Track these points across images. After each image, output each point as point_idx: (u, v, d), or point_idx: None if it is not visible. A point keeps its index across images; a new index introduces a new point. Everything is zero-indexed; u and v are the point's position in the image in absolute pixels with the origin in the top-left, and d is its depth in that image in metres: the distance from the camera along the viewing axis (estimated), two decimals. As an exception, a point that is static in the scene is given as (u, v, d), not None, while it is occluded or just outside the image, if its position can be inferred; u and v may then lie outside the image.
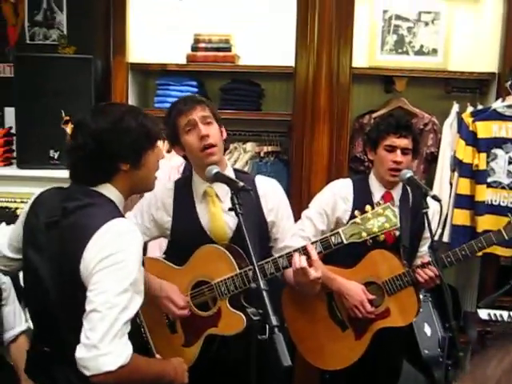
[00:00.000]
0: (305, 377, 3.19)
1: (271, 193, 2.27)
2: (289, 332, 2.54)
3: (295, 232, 2.41)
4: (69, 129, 2.68)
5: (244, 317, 2.05)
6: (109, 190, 1.74)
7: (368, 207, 2.02)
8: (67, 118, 2.80)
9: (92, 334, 1.54)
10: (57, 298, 1.67)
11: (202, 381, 2.15)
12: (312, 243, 2.07)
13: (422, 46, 3.44)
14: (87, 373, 1.53)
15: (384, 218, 1.97)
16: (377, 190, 2.53)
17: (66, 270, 1.64)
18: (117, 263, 1.58)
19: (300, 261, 2.03)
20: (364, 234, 1.97)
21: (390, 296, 2.43)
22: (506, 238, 2.44)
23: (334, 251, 2.45)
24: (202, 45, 3.43)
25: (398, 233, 2.48)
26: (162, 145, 3.38)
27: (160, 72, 3.50)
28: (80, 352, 1.54)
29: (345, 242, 2.00)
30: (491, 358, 0.48)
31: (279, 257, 2.08)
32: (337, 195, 2.53)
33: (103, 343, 1.53)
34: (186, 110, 2.13)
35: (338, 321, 2.51)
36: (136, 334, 1.67)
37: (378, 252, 2.44)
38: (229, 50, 3.40)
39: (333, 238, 2.02)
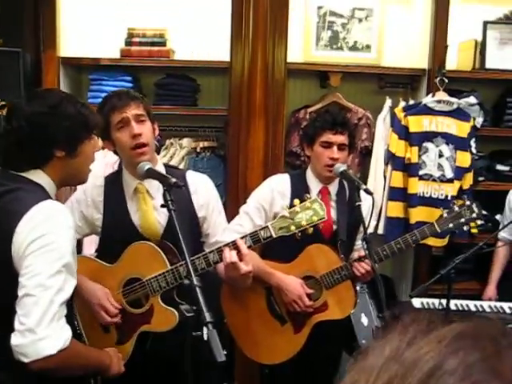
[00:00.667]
0: (245, 372, 3.20)
1: (202, 188, 2.27)
2: (228, 327, 2.54)
3: (232, 228, 2.41)
4: (3, 113, 2.58)
5: (176, 312, 2.04)
6: (39, 177, 1.69)
7: (296, 201, 2.04)
8: (2, 102, 2.69)
9: (27, 319, 1.50)
10: None
11: (138, 376, 2.14)
12: (242, 238, 2.07)
13: (355, 42, 3.49)
14: (25, 359, 1.49)
15: (312, 212, 1.99)
16: (314, 185, 2.55)
17: None
18: (47, 245, 1.54)
19: (230, 255, 2.03)
20: (293, 228, 1.99)
21: (328, 290, 2.46)
22: (439, 231, 2.50)
23: (271, 246, 2.48)
24: (136, 39, 3.37)
25: (335, 227, 2.52)
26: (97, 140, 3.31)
27: (93, 67, 3.41)
28: (16, 339, 1.49)
29: (274, 235, 2.01)
30: (374, 347, 0.49)
31: (210, 252, 2.07)
32: (274, 190, 2.53)
33: (40, 327, 1.49)
34: (119, 106, 2.09)
35: (276, 315, 2.52)
36: (70, 325, 1.63)
37: (315, 246, 2.46)
38: (163, 44, 3.35)
39: (262, 232, 2.02)
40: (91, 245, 2.90)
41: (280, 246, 2.46)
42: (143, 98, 2.20)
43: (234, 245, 2.06)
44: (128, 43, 3.36)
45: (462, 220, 2.49)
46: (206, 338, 1.61)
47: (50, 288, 1.52)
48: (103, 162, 3.14)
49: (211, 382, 2.56)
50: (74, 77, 3.53)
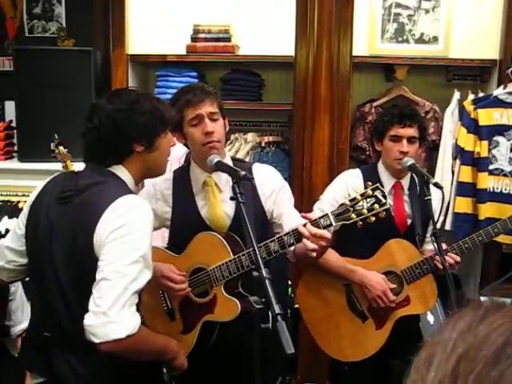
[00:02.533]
0: (309, 365, 3.20)
1: (268, 180, 2.27)
2: (294, 320, 2.55)
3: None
4: (60, 151, 2.66)
5: (238, 302, 2.06)
6: (121, 171, 1.77)
7: (357, 189, 2.00)
8: (58, 140, 2.76)
9: (101, 301, 1.56)
10: (67, 275, 1.68)
11: (202, 370, 2.16)
12: (303, 225, 2.04)
13: (422, 34, 3.42)
14: (96, 340, 1.55)
15: (373, 199, 1.95)
16: (386, 180, 2.53)
17: (79, 245, 1.66)
18: (127, 234, 1.61)
19: (308, 228, 1.97)
20: (353, 216, 1.94)
21: (409, 284, 2.45)
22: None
23: (348, 244, 2.46)
24: (202, 35, 3.42)
25: (409, 221, 2.50)
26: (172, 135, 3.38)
27: (160, 63, 3.49)
28: (89, 319, 1.56)
29: (334, 223, 1.97)
30: (448, 323, 0.52)
31: (271, 241, 2.04)
32: (349, 186, 2.51)
33: (112, 311, 1.55)
34: (194, 102, 2.11)
35: (357, 312, 2.52)
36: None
37: (394, 241, 2.46)
38: (228, 40, 3.39)
39: (322, 220, 1.99)
40: (157, 239, 2.96)
41: (356, 243, 2.46)
42: (217, 94, 2.22)
43: (294, 231, 2.02)
44: (194, 39, 3.42)
45: None
46: (274, 329, 1.63)
47: (126, 275, 1.58)
48: (170, 157, 3.20)
49: (276, 375, 2.59)
50: (141, 73, 3.62)
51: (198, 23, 3.44)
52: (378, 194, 1.96)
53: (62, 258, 1.69)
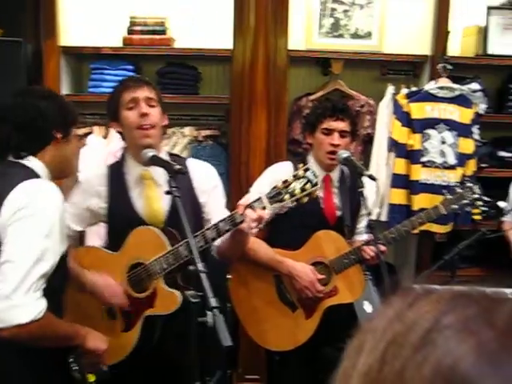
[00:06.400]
0: (250, 358, 3.21)
1: (204, 175, 2.28)
2: (235, 315, 2.56)
3: None
4: None
5: (179, 294, 2.05)
6: (31, 163, 1.75)
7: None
8: None
9: (4, 285, 1.53)
10: None
11: (145, 367, 2.16)
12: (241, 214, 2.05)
13: (357, 29, 3.48)
14: None
15: (305, 180, 1.98)
16: (316, 172, 2.56)
17: None
18: (31, 216, 1.59)
19: (252, 212, 2.00)
20: (287, 197, 1.97)
21: (338, 274, 2.49)
22: (444, 212, 2.54)
23: (277, 234, 2.48)
24: (138, 28, 3.36)
25: (339, 213, 2.54)
26: (99, 130, 3.32)
27: (94, 56, 3.41)
28: None
29: (268, 206, 2.00)
30: (379, 311, 0.53)
31: (207, 229, 2.05)
32: (278, 178, 2.52)
33: (16, 294, 1.52)
34: (132, 86, 2.14)
35: (287, 302, 2.54)
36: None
37: (323, 232, 2.49)
38: (164, 32, 3.34)
39: (256, 203, 2.01)
40: (94, 238, 2.90)
41: (286, 235, 2.48)
42: (156, 87, 2.24)
43: (230, 218, 2.05)
44: (130, 32, 3.35)
45: (465, 201, 2.54)
46: (211, 323, 1.63)
47: (29, 258, 1.56)
48: (106, 151, 3.15)
49: (215, 369, 2.59)
50: (75, 66, 3.52)
51: (134, 15, 3.38)
52: (308, 174, 1.99)
53: None
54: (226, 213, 2.27)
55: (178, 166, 1.94)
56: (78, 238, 2.71)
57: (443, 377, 0.44)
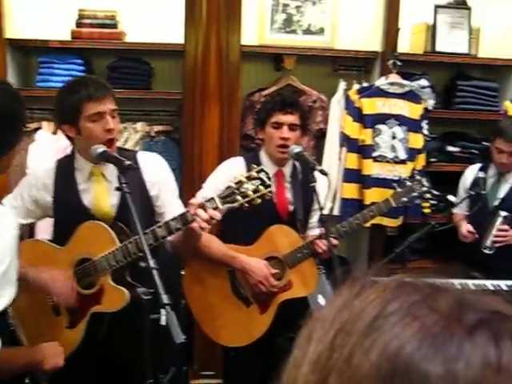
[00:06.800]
0: (205, 355, 3.21)
1: (153, 167, 2.27)
2: (188, 311, 2.55)
3: None
4: None
5: (126, 291, 2.03)
6: None
7: (243, 174, 2.03)
8: None
9: None
10: None
11: (93, 364, 2.14)
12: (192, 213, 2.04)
13: (309, 25, 3.50)
14: None
15: (258, 181, 1.98)
16: (268, 168, 2.55)
17: None
18: None
19: (204, 212, 1.99)
20: (239, 198, 1.97)
21: (291, 268, 2.50)
22: (394, 205, 2.59)
23: (231, 230, 2.48)
24: (87, 21, 3.29)
25: (291, 208, 2.55)
26: (48, 126, 3.24)
27: (42, 49, 3.32)
28: None
29: (220, 207, 2.00)
30: (328, 302, 0.55)
31: (158, 227, 2.04)
32: (231, 173, 2.52)
33: None
34: (97, 97, 2.05)
35: (241, 297, 2.54)
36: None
37: (276, 227, 2.50)
38: (115, 26, 3.28)
39: (208, 203, 2.01)
40: (44, 232, 2.84)
41: (239, 230, 2.48)
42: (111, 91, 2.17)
43: (181, 216, 2.04)
44: (78, 25, 3.28)
45: (415, 194, 2.59)
46: (163, 320, 1.62)
47: None
48: (55, 147, 3.08)
49: (169, 366, 2.57)
50: (21, 60, 3.43)
51: (82, 8, 3.30)
52: (262, 175, 1.99)
53: None
54: (180, 205, 2.26)
55: (128, 162, 1.93)
56: (27, 233, 2.66)
57: (389, 360, 0.45)
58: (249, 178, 1.98)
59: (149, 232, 2.01)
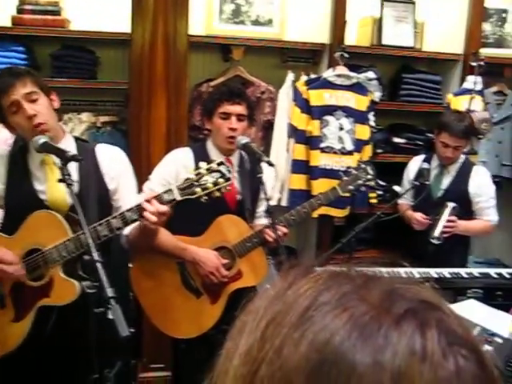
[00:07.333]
0: (154, 348, 3.18)
1: (112, 160, 2.23)
2: (137, 304, 2.52)
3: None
4: None
5: (77, 284, 1.98)
6: None
7: (203, 164, 2.01)
8: None
9: None
10: None
11: (37, 359, 2.08)
12: (146, 201, 2.02)
13: (258, 16, 3.49)
14: None
15: (218, 174, 1.97)
16: (216, 157, 2.56)
17: None
18: None
19: (152, 204, 1.97)
20: (198, 190, 1.96)
21: (241, 258, 2.51)
22: (341, 193, 2.65)
23: (179, 221, 2.46)
24: (29, 7, 3.18)
25: (239, 197, 2.56)
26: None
27: (-19, 36, 3.20)
28: None
29: (178, 198, 1.98)
30: (261, 293, 0.55)
31: (113, 218, 2.00)
32: (178, 164, 2.53)
33: None
34: (4, 88, 2.00)
35: (191, 289, 2.53)
36: None
37: (225, 217, 2.50)
38: (58, 13, 3.19)
39: (165, 195, 1.99)
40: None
41: (187, 220, 2.46)
42: (29, 72, 2.10)
43: (138, 207, 2.01)
44: (20, 11, 3.17)
45: (360, 181, 2.65)
46: (109, 313, 1.59)
47: None
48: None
49: (115, 360, 2.54)
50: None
51: (23, -7, 3.20)
52: (222, 168, 1.99)
53: None
54: (138, 198, 2.22)
55: (71, 153, 1.88)
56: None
57: (318, 351, 0.46)
58: (209, 171, 1.97)
59: (103, 223, 1.97)
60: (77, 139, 2.26)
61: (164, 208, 1.97)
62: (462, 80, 3.71)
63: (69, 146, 2.13)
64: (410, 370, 0.44)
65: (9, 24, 3.17)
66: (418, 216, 3.13)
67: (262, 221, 2.60)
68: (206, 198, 1.97)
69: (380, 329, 0.46)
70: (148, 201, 1.98)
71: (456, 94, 3.63)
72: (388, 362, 0.45)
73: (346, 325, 0.47)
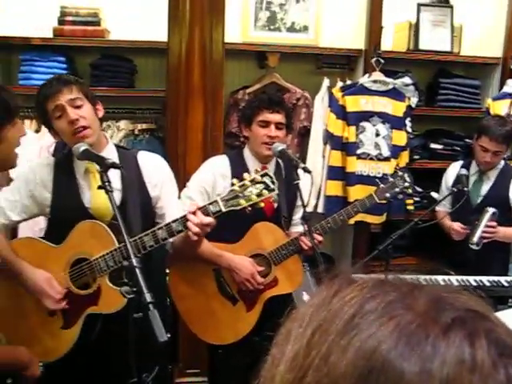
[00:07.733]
0: (191, 353, 3.20)
1: (154, 168, 2.26)
2: (174, 309, 2.55)
3: (178, 213, 2.40)
4: None
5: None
6: None
7: (246, 175, 2.02)
8: None
9: None
10: None
11: (79, 364, 2.11)
12: (191, 212, 2.04)
13: (293, 23, 3.50)
14: None
15: (262, 185, 1.98)
16: (252, 165, 2.57)
17: None
18: None
19: (197, 216, 2.00)
20: (243, 202, 1.97)
21: (277, 265, 2.51)
22: (378, 200, 2.63)
23: (215, 228, 2.48)
24: (69, 18, 3.26)
25: (276, 205, 2.56)
26: (30, 124, 3.22)
27: (24, 46, 3.28)
28: None
29: (223, 209, 1.99)
30: (306, 301, 0.56)
31: (158, 228, 2.02)
32: (215, 172, 2.54)
33: None
34: (51, 94, 2.05)
35: (228, 295, 2.54)
36: None
37: (261, 224, 2.50)
38: (98, 24, 3.26)
39: (211, 206, 2.00)
40: (27, 233, 2.82)
41: (224, 228, 2.47)
42: (77, 80, 2.14)
43: (183, 218, 2.04)
44: (61, 22, 3.25)
45: (397, 189, 2.63)
46: (147, 318, 1.61)
47: None
48: (38, 145, 3.06)
49: (153, 365, 2.57)
50: (3, 57, 3.39)
51: (64, 5, 3.28)
52: (266, 179, 2.00)
53: None
54: (180, 206, 2.25)
55: (110, 161, 1.90)
56: (10, 231, 2.62)
57: (365, 359, 0.46)
58: (253, 182, 1.98)
59: (149, 233, 2.00)
60: (118, 147, 2.29)
61: (208, 220, 1.99)
62: (502, 84, 3.65)
63: (110, 154, 2.15)
64: (460, 379, 0.44)
65: (50, 35, 3.25)
66: (457, 226, 3.08)
67: (298, 228, 2.59)
68: (249, 209, 1.98)
69: (427, 338, 0.46)
70: (193, 212, 2.00)
71: (495, 99, 3.57)
72: (436, 370, 0.45)
73: (392, 333, 0.47)
